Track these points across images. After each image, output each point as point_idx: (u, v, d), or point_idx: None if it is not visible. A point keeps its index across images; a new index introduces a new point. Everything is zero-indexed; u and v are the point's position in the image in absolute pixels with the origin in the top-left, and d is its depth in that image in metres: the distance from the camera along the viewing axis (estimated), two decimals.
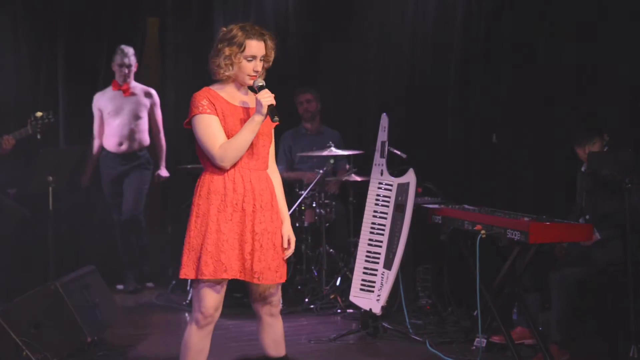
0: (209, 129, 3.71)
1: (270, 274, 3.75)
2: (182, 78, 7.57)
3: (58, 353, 4.89)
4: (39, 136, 6.17)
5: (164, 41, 7.66)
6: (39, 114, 6.01)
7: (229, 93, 3.81)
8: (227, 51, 3.73)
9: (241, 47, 3.72)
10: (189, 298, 6.51)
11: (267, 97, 3.66)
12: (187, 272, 3.73)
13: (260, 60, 3.76)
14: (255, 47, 3.74)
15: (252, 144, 3.73)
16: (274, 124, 3.84)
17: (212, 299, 3.72)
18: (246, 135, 3.68)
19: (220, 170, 3.73)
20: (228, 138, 3.71)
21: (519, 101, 6.28)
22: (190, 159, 7.01)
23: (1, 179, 6.39)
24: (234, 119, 3.74)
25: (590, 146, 5.08)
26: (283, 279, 3.83)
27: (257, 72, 3.75)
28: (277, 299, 3.91)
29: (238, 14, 7.50)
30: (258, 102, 3.66)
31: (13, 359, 4.70)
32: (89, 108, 7.13)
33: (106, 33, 7.24)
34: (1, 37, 6.89)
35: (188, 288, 6.63)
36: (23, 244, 6.73)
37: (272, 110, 3.67)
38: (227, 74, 3.76)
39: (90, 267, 5.65)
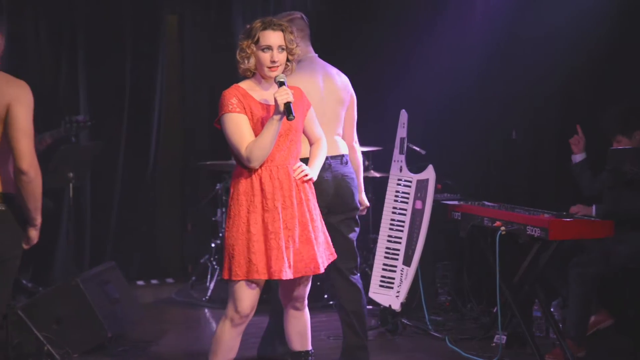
0: (238, 128, 3.69)
1: (303, 266, 3.77)
2: (201, 76, 7.58)
3: (79, 348, 4.94)
4: (73, 139, 6.21)
5: (183, 38, 7.68)
6: (76, 117, 6.02)
7: (257, 90, 3.79)
8: (243, 44, 3.74)
9: (254, 38, 3.71)
10: (208, 294, 6.54)
11: (283, 95, 3.61)
12: (225, 273, 3.77)
13: (280, 50, 3.72)
14: (270, 36, 3.70)
15: (280, 140, 3.72)
16: (307, 111, 3.88)
17: (249, 299, 3.74)
18: (268, 135, 3.65)
19: (249, 169, 3.73)
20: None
21: (538, 97, 6.25)
22: (210, 156, 7.05)
23: None
24: (263, 117, 3.73)
25: (629, 139, 5.06)
26: (318, 270, 3.84)
27: (274, 62, 3.70)
28: (304, 292, 3.92)
29: (257, 10, 7.49)
30: (275, 100, 3.63)
31: (35, 354, 4.73)
32: (109, 106, 7.16)
33: (126, 32, 7.25)
34: (21, 37, 6.92)
35: (207, 284, 6.66)
36: (44, 239, 6.77)
37: (288, 108, 3.61)
38: (242, 66, 3.76)
39: (110, 263, 5.69)
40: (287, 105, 3.61)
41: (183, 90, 7.70)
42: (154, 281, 7.42)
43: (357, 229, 4.64)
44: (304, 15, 4.71)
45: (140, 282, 7.26)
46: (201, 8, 7.63)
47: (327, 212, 4.28)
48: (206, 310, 6.37)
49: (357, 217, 4.62)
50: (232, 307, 3.76)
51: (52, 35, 7.04)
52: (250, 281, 3.71)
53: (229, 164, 6.50)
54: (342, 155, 4.53)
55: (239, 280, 3.70)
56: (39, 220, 3.59)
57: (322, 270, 3.85)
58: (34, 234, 3.62)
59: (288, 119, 3.63)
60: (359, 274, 4.66)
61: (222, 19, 7.57)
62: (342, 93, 4.63)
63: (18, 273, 3.78)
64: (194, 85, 7.66)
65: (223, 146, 3.87)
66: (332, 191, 4.39)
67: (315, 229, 3.84)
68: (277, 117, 3.63)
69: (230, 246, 3.72)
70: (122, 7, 7.23)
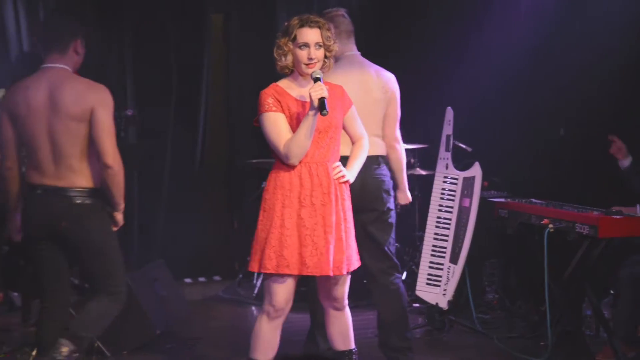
0: (275, 127, 3.73)
1: (344, 264, 3.79)
2: (247, 74, 7.59)
3: (128, 345, 5.00)
4: (122, 134, 6.27)
5: (229, 37, 7.70)
6: (125, 112, 6.08)
7: (294, 88, 3.81)
8: (280, 42, 3.76)
9: (292, 35, 3.73)
10: (255, 291, 6.57)
11: (317, 91, 3.64)
12: (253, 265, 3.79)
13: (317, 47, 3.74)
14: (307, 34, 3.72)
15: (319, 137, 3.73)
16: (348, 110, 3.87)
17: (283, 293, 3.76)
18: (304, 131, 3.67)
19: (288, 165, 3.75)
20: None
21: (587, 94, 6.18)
22: (256, 154, 7.07)
23: None
24: (299, 114, 3.75)
25: None
26: (353, 267, 3.86)
27: (311, 59, 3.72)
28: (342, 292, 3.92)
29: (302, 8, 7.48)
30: (310, 96, 3.65)
31: (85, 350, 4.79)
32: (156, 105, 7.21)
33: (172, 31, 7.29)
34: None
35: (254, 282, 6.69)
36: None
37: (322, 103, 3.62)
38: (280, 64, 3.79)
39: (158, 261, 5.74)
40: (321, 100, 3.62)
41: (228, 88, 7.73)
42: (201, 279, 7.47)
43: (389, 231, 4.61)
44: (346, 13, 4.70)
45: (187, 280, 7.31)
46: (246, 6, 7.65)
47: (354, 210, 4.06)
48: (253, 308, 6.40)
49: (390, 219, 4.58)
50: (268, 300, 3.80)
51: (99, 34, 7.09)
52: (283, 275, 3.72)
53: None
54: (377, 157, 4.49)
55: (272, 275, 3.72)
56: (122, 205, 4.16)
57: (355, 267, 3.88)
58: (119, 217, 4.20)
59: (322, 114, 3.64)
60: (397, 274, 4.63)
61: (267, 17, 7.58)
62: (379, 92, 4.58)
63: (118, 252, 4.21)
64: (239, 84, 7.69)
65: (268, 144, 3.89)
66: (358, 188, 4.19)
67: (347, 229, 3.86)
68: (311, 112, 3.66)
69: (263, 239, 3.75)
70: (168, 6, 7.27)
